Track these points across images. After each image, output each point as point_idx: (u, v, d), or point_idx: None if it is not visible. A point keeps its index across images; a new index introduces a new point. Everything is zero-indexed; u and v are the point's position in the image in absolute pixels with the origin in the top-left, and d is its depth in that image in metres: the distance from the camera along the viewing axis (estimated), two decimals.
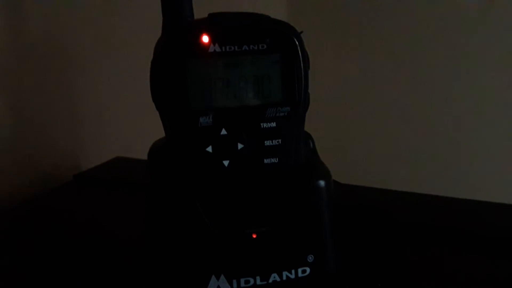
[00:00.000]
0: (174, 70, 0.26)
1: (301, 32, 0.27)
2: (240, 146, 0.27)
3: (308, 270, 0.28)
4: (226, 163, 0.27)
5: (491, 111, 0.96)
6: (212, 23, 0.26)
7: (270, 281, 0.27)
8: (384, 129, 1.04)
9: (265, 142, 0.27)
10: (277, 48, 0.26)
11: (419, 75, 0.99)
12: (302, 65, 0.27)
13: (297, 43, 0.26)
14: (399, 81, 1.01)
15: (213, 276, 0.27)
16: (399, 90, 1.01)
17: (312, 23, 1.01)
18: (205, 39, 0.25)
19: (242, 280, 0.27)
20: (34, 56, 0.52)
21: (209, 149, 0.27)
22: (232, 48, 0.26)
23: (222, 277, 0.27)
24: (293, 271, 0.27)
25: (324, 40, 1.00)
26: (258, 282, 0.27)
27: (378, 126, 1.04)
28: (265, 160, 0.27)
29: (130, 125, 0.64)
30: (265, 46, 0.26)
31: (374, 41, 1.02)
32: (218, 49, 0.26)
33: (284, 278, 0.27)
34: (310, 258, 0.28)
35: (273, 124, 0.27)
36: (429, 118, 0.99)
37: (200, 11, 0.29)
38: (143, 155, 0.49)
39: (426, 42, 0.98)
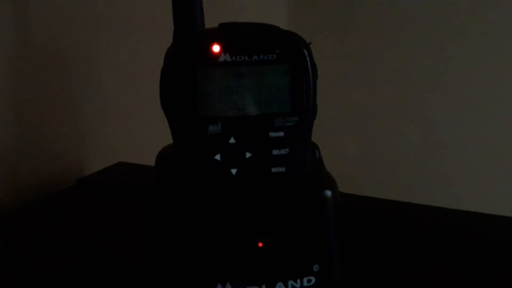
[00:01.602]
0: (184, 79, 0.26)
1: (310, 43, 0.27)
2: (248, 154, 0.27)
3: (313, 279, 0.28)
4: (234, 171, 0.27)
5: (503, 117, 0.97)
6: (223, 33, 0.26)
7: None
8: (387, 136, 1.04)
9: (273, 151, 0.27)
10: (287, 58, 0.26)
11: (423, 76, 0.99)
12: (311, 75, 0.27)
13: (306, 54, 0.27)
14: (400, 85, 1.01)
15: (219, 284, 0.27)
16: (401, 95, 1.02)
17: (312, 26, 1.01)
18: (216, 48, 0.26)
19: None
20: (37, 61, 0.52)
21: (217, 157, 0.27)
22: (242, 58, 0.26)
23: (228, 285, 0.27)
24: (298, 281, 0.28)
25: (324, 44, 1.00)
26: None
27: (381, 133, 1.04)
28: (272, 169, 0.27)
29: (133, 131, 0.65)
30: (274, 57, 0.26)
31: (374, 44, 1.02)
32: (228, 59, 0.26)
33: (290, 287, 0.27)
34: (316, 268, 0.28)
35: (281, 134, 0.27)
36: (435, 126, 1.00)
37: (208, 20, 0.29)
38: (146, 161, 0.50)
39: (428, 45, 0.98)
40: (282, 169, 0.27)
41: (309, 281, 0.28)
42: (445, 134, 0.99)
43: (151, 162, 0.31)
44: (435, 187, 0.98)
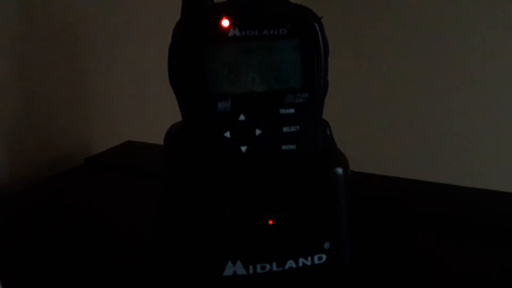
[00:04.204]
0: (193, 55, 0.25)
1: (321, 17, 0.27)
2: (258, 132, 0.27)
3: (324, 257, 0.28)
4: (243, 148, 0.27)
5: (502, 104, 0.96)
6: (232, 7, 0.25)
7: (286, 267, 0.27)
8: (394, 117, 1.03)
9: (283, 128, 0.27)
10: (298, 33, 0.26)
11: (429, 66, 0.98)
12: (322, 51, 0.26)
13: (317, 28, 0.26)
14: (409, 70, 1.00)
15: (229, 262, 0.27)
16: (409, 77, 1.01)
17: (319, 13, 1.00)
18: (225, 23, 0.25)
19: (259, 266, 0.27)
20: (45, 43, 0.51)
21: (227, 134, 0.26)
22: (252, 32, 0.25)
23: (239, 262, 0.27)
24: (309, 258, 0.27)
25: (331, 31, 0.99)
26: (274, 268, 0.27)
27: (388, 115, 1.04)
28: (283, 146, 0.27)
29: (141, 109, 0.64)
30: (285, 31, 0.25)
31: (380, 34, 1.01)
32: (238, 34, 0.25)
33: (300, 264, 0.27)
34: (327, 246, 0.28)
35: (292, 111, 0.27)
36: (442, 108, 0.99)
37: None
38: (154, 139, 0.50)
39: (432, 38, 0.97)
40: (292, 147, 0.27)
41: (319, 258, 0.28)
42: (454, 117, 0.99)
43: (160, 140, 0.31)
44: (448, 165, 0.97)
